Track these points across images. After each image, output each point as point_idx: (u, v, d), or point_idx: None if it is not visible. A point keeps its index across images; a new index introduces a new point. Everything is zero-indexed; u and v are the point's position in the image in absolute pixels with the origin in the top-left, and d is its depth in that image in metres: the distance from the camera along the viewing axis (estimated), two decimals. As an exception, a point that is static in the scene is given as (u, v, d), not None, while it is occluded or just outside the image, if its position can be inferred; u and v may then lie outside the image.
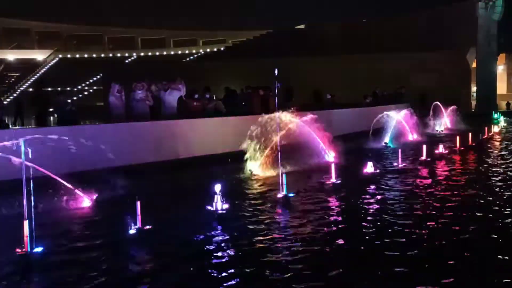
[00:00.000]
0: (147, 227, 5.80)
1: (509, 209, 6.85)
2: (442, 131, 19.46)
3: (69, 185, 7.19)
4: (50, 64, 60.66)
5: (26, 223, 4.78)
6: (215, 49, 58.72)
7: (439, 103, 19.21)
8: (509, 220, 6.35)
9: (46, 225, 5.59)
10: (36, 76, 56.13)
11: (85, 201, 7.43)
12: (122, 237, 5.68)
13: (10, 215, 6.49)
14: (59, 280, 4.56)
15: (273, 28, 50.63)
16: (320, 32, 42.32)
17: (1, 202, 7.12)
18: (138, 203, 5.80)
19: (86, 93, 53.73)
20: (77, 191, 7.30)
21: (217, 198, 6.78)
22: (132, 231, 5.71)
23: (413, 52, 32.23)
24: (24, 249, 4.81)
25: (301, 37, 42.48)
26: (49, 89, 50.95)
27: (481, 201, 7.47)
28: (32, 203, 5.04)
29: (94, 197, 7.53)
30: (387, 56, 33.00)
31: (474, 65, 35.18)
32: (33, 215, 4.94)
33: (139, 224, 5.77)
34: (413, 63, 31.80)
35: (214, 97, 14.70)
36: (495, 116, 23.16)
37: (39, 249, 4.92)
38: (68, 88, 45.21)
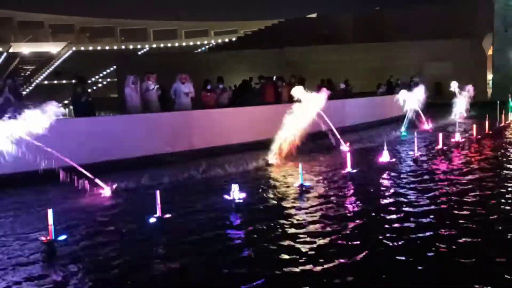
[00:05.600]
0: (167, 215, 5.90)
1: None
2: (458, 119, 19.23)
3: (89, 175, 7.32)
4: (64, 57, 61.16)
5: (50, 212, 4.90)
6: (227, 40, 58.57)
7: (456, 90, 18.94)
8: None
9: (69, 214, 5.70)
10: (51, 69, 56.72)
11: (106, 191, 7.57)
12: (143, 225, 5.79)
13: (36, 205, 6.67)
14: (82, 268, 4.67)
15: (284, 17, 50.30)
16: (332, 21, 41.90)
17: (26, 192, 7.28)
18: (158, 192, 5.90)
19: (99, 85, 54.15)
20: (97, 180, 7.43)
21: (234, 187, 6.85)
22: (153, 219, 5.81)
23: (428, 40, 31.74)
24: (48, 237, 4.93)
25: (312, 26, 42.13)
26: (64, 81, 51.45)
27: (501, 190, 7.42)
28: (55, 193, 5.15)
29: (114, 186, 7.65)
30: (401, 45, 32.59)
31: (490, 52, 34.56)
32: (55, 205, 5.06)
33: (159, 213, 5.87)
34: (428, 52, 31.35)
35: (228, 87, 14.73)
36: (512, 104, 22.74)
37: (62, 237, 5.05)
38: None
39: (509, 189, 7.40)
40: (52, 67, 57.77)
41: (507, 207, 6.40)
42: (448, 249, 4.87)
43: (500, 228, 5.56)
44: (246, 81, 15.41)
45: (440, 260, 4.62)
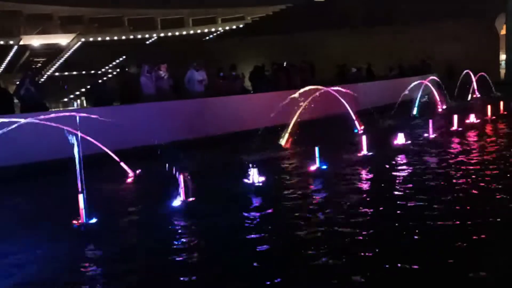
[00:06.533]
0: (191, 199, 6.07)
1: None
2: (472, 100, 19.13)
3: (117, 159, 7.59)
4: (73, 48, 61.44)
5: (81, 197, 5.09)
6: (234, 27, 58.30)
7: (469, 72, 18.79)
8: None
9: (98, 198, 5.90)
10: (61, 61, 57.06)
11: (131, 175, 7.84)
12: (168, 208, 5.97)
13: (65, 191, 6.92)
14: (111, 251, 4.87)
15: (292, 3, 49.85)
16: (341, 5, 41.44)
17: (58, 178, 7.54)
18: (181, 177, 6.06)
19: (109, 75, 54.41)
20: (123, 164, 7.68)
21: (253, 171, 7.00)
22: (177, 202, 6.00)
23: (439, 22, 31.31)
24: (80, 221, 5.14)
25: (321, 11, 41.71)
26: (75, 72, 51.78)
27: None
28: (86, 178, 5.34)
29: (138, 171, 7.90)
30: (411, 27, 32.20)
31: (502, 32, 34.03)
32: (86, 189, 5.25)
33: (183, 197, 6.05)
34: (439, 33, 30.95)
35: (241, 74, 14.81)
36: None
37: (93, 220, 5.26)
38: (93, 71, 45.93)
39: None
40: (63, 59, 58.11)
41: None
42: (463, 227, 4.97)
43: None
44: (258, 67, 15.47)
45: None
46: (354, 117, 10.99)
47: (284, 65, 16.38)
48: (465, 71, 18.69)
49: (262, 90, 13.63)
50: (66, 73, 53.68)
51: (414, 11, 34.03)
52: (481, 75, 20.53)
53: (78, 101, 40.81)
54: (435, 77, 18.09)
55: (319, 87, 10.60)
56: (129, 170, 7.84)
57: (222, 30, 62.31)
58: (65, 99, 41.27)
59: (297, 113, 10.40)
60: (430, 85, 15.15)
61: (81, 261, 4.57)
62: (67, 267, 4.46)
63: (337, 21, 36.94)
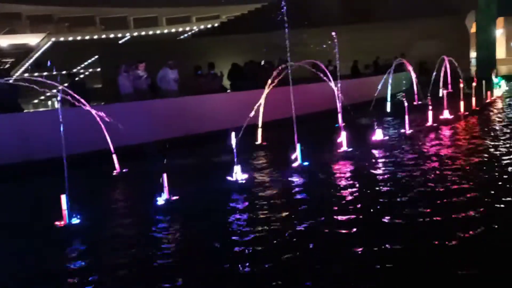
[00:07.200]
0: (174, 197, 6.02)
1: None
2: (443, 96, 19.55)
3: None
4: (44, 48, 59.97)
5: (63, 197, 4.98)
6: (209, 26, 58.04)
7: (446, 68, 19.25)
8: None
9: (82, 198, 5.78)
10: (31, 61, 55.60)
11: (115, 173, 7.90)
12: (152, 207, 5.91)
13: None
14: (95, 250, 4.79)
15: (267, 1, 49.96)
16: (317, 3, 41.79)
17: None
18: (165, 176, 6.01)
19: (82, 76, 53.32)
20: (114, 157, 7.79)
21: (237, 169, 7.00)
22: (161, 201, 5.94)
23: (413, 20, 31.99)
24: (63, 222, 5.03)
25: (298, 9, 41.93)
26: (45, 73, 50.51)
27: (492, 160, 7.71)
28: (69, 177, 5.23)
29: (124, 170, 7.89)
30: (386, 26, 32.76)
31: (473, 30, 35.00)
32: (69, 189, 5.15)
33: (166, 195, 5.99)
34: (413, 31, 31.60)
35: (220, 73, 14.76)
36: (496, 80, 23.22)
37: (76, 221, 5.15)
38: (64, 72, 44.91)
39: (501, 160, 7.70)
40: (32, 59, 56.63)
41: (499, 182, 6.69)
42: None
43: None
44: (236, 65, 15.45)
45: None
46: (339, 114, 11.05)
47: (262, 63, 16.42)
48: (440, 67, 19.12)
49: (241, 88, 13.62)
50: (36, 74, 52.32)
51: (391, 9, 34.66)
52: (454, 72, 21.03)
53: (50, 102, 39.73)
54: (408, 74, 18.45)
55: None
56: (117, 166, 7.85)
57: (197, 29, 61.96)
58: (35, 101, 40.10)
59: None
60: (404, 82, 15.45)
61: (60, 264, 4.48)
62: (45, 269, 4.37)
63: (315, 19, 37.21)
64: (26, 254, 4.71)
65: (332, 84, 10.34)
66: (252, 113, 10.15)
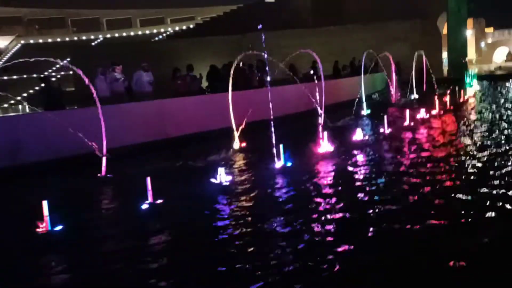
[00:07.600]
0: (159, 201, 5.92)
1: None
2: (418, 97, 20.01)
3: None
4: (12, 51, 58.32)
5: (45, 203, 4.82)
6: (184, 27, 57.62)
7: (422, 69, 19.71)
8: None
9: (65, 203, 5.63)
10: (-1, 64, 53.94)
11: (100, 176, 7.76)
12: (136, 211, 5.79)
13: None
14: (78, 256, 4.66)
15: (243, 3, 49.99)
16: (291, 6, 42.08)
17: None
18: (148, 179, 5.90)
19: (53, 79, 52.05)
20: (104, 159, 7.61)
21: (221, 171, 6.94)
22: (145, 205, 5.82)
23: (386, 22, 32.57)
24: (45, 228, 4.86)
25: (272, 11, 42.13)
26: (14, 76, 49.08)
27: (467, 156, 7.91)
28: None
29: (109, 176, 7.75)
30: (359, 28, 33.24)
31: (444, 31, 35.94)
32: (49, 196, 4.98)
33: (150, 199, 5.88)
34: (386, 33, 32.17)
35: (199, 75, 14.65)
36: (468, 80, 23.90)
37: (59, 227, 4.99)
38: (35, 75, 43.79)
39: (477, 156, 7.91)
40: (0, 62, 54.97)
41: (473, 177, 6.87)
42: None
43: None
44: (214, 67, 15.36)
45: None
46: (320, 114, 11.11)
47: (241, 65, 16.34)
48: (415, 68, 19.56)
49: (219, 90, 13.52)
50: (5, 78, 50.80)
51: (362, 11, 35.19)
52: (426, 72, 21.55)
53: (20, 106, 38.60)
54: (385, 76, 18.79)
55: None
56: (104, 169, 7.73)
57: (172, 31, 61.39)
58: (5, 105, 38.86)
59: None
60: (380, 82, 15.71)
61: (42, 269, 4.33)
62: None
63: (289, 21, 37.45)
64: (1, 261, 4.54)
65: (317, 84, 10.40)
66: (231, 116, 10.14)
